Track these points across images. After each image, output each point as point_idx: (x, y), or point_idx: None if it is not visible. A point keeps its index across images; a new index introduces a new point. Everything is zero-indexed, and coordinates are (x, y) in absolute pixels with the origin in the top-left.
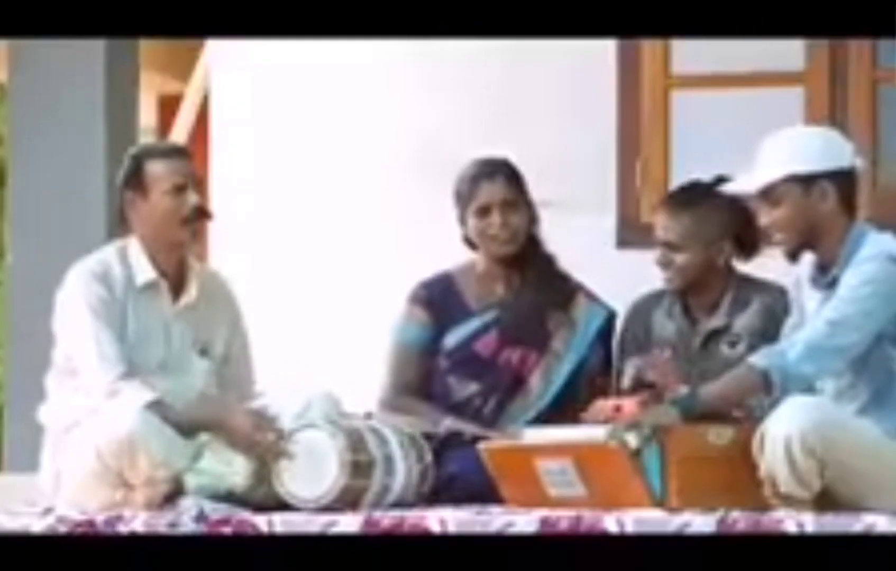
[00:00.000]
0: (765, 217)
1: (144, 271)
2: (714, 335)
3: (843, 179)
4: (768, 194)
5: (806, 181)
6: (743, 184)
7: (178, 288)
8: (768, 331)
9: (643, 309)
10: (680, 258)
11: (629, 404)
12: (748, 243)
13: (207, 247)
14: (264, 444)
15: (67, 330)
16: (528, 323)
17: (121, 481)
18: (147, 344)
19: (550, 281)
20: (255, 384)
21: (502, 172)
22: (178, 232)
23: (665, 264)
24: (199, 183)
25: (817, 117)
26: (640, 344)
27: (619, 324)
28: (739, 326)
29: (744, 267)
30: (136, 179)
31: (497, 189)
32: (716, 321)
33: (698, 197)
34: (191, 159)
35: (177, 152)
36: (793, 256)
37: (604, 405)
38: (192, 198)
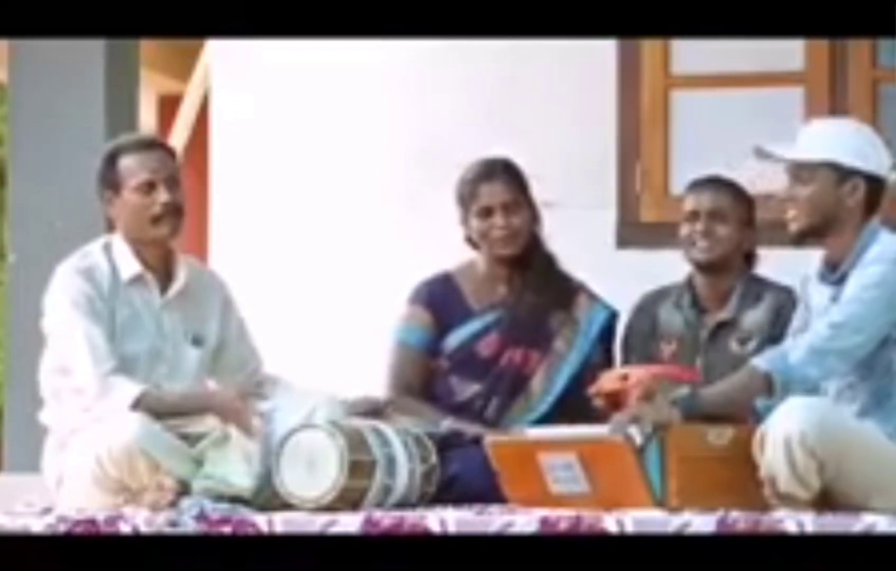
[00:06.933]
0: (788, 190)
1: (129, 265)
2: (722, 327)
3: (875, 184)
4: (801, 170)
5: (843, 172)
6: (782, 151)
7: (165, 279)
8: (777, 331)
9: (649, 304)
10: (722, 229)
11: (637, 372)
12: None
13: (207, 246)
14: (250, 412)
15: (57, 330)
16: (530, 323)
17: (121, 487)
18: (138, 335)
19: (552, 281)
20: (259, 364)
21: (502, 173)
22: (148, 230)
23: (706, 232)
24: (172, 178)
25: (817, 117)
26: (645, 339)
27: (623, 321)
28: (749, 322)
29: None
30: (110, 176)
31: (497, 190)
32: (724, 313)
33: (734, 183)
34: (167, 151)
35: (149, 146)
36: (800, 237)
37: (610, 375)
38: (161, 196)
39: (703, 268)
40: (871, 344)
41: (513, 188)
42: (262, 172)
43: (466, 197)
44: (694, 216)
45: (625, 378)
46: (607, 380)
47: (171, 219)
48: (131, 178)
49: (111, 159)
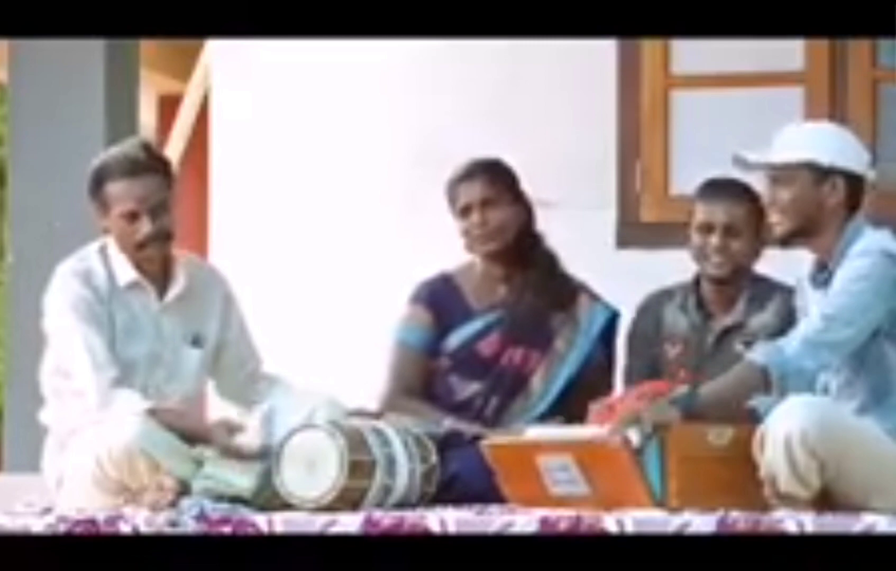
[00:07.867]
0: (769, 195)
1: (125, 272)
2: (728, 332)
3: (854, 182)
4: (780, 174)
5: (821, 171)
6: (760, 156)
7: (163, 283)
8: (785, 332)
9: (653, 304)
10: (736, 244)
11: (622, 402)
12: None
13: (207, 246)
14: (245, 447)
15: (56, 333)
16: (530, 323)
17: (121, 488)
18: (136, 339)
19: (552, 280)
20: (259, 364)
21: (481, 172)
22: (134, 254)
23: (720, 248)
24: (158, 206)
25: (817, 117)
26: (650, 340)
27: (627, 322)
28: (756, 325)
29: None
30: (97, 195)
31: (475, 189)
32: (731, 318)
33: (748, 189)
34: (155, 173)
35: (134, 172)
36: (785, 241)
37: (598, 409)
38: (144, 227)
39: (715, 280)
40: (862, 337)
41: (494, 186)
42: (262, 172)
43: (450, 198)
44: (707, 229)
45: (611, 409)
46: (595, 414)
47: (156, 247)
48: (116, 205)
49: (98, 181)
